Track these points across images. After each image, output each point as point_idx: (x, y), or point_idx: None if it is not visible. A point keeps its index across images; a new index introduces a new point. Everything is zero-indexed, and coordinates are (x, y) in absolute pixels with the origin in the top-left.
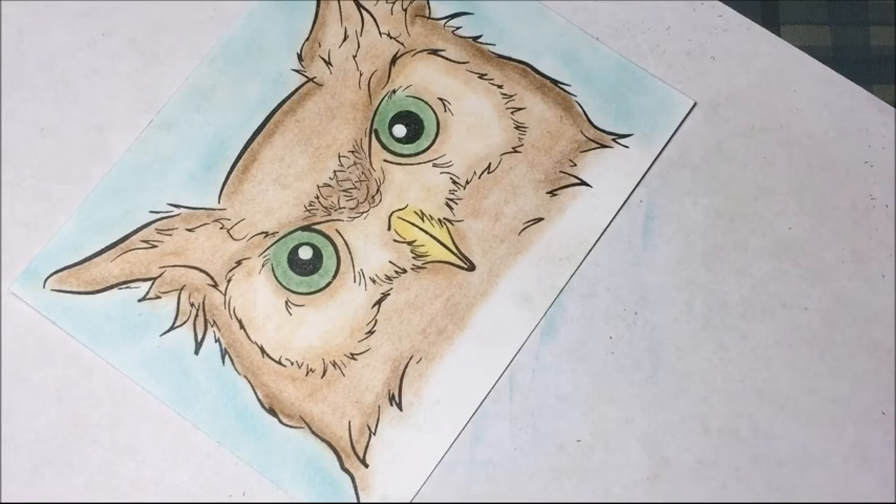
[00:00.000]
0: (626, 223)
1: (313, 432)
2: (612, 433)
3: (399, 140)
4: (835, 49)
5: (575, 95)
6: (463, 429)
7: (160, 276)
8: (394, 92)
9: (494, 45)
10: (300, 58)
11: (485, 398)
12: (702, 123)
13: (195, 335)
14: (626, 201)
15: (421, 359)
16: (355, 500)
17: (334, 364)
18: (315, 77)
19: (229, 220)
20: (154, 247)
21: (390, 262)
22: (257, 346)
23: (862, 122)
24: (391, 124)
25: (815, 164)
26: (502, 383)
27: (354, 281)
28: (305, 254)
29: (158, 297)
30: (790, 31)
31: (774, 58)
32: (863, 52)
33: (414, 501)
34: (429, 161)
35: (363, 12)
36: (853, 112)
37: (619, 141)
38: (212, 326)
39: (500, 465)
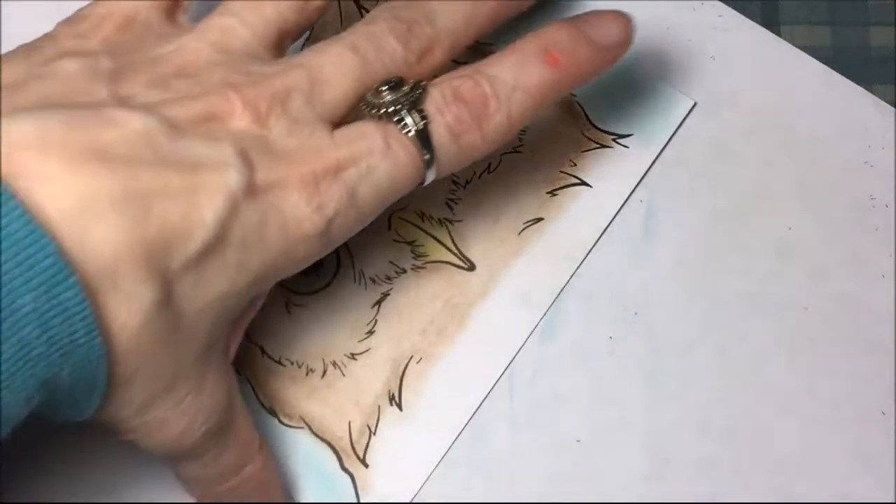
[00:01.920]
0: (626, 223)
1: (313, 432)
2: (611, 433)
3: None
4: (835, 49)
5: (575, 95)
6: (463, 428)
7: None
8: None
9: (493, 44)
10: None
11: (485, 398)
12: (702, 123)
13: None
14: (626, 201)
15: (421, 359)
16: (355, 500)
17: (334, 364)
18: None
19: None
20: None
21: (390, 261)
22: (257, 346)
23: (862, 122)
24: None
25: (815, 164)
26: (502, 383)
27: (354, 281)
28: None
29: None
30: (790, 31)
31: (774, 58)
32: (863, 52)
33: (414, 502)
34: None
35: (364, 13)
36: (853, 112)
37: (619, 141)
38: None
39: (499, 465)
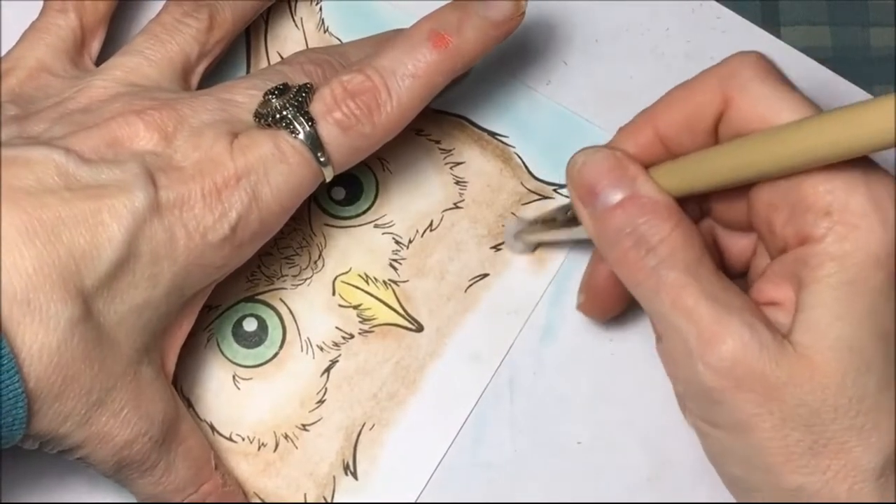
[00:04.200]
0: None
1: None
2: (612, 434)
3: (338, 202)
4: (835, 50)
5: (514, 147)
6: (422, 491)
7: None
8: None
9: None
10: None
11: (442, 458)
12: None
13: None
14: (568, 253)
15: (374, 425)
16: None
17: (286, 437)
18: None
19: None
20: None
21: (337, 327)
22: (207, 423)
23: None
24: (330, 186)
25: None
26: (502, 386)
27: (301, 350)
28: (250, 325)
29: None
30: (790, 31)
31: (774, 58)
32: (863, 53)
33: (419, 502)
34: (370, 222)
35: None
36: None
37: (560, 191)
38: None
39: (500, 468)
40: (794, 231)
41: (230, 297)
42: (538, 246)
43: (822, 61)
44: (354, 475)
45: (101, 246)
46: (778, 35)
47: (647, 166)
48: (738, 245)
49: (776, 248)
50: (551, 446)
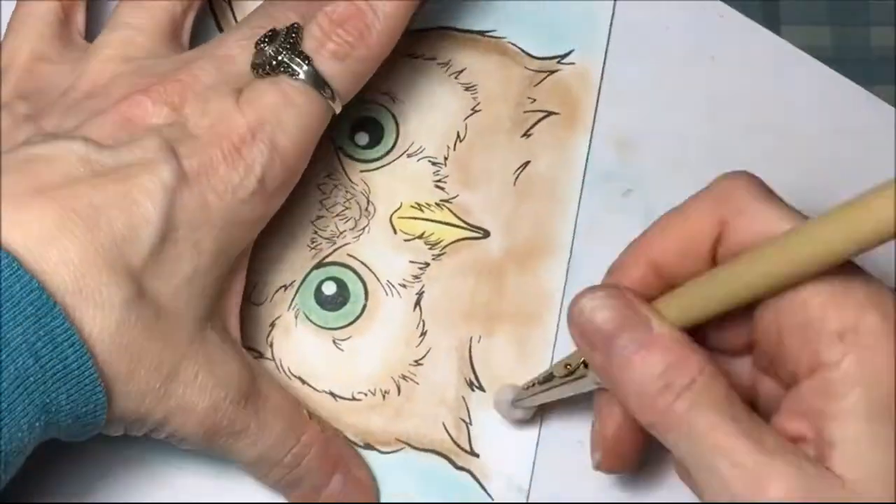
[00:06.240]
0: (624, 224)
1: (414, 447)
2: None
3: (365, 147)
4: (835, 49)
5: (504, 37)
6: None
7: None
8: None
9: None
10: None
11: (555, 339)
12: (701, 124)
13: None
14: (596, 110)
15: (480, 337)
16: (482, 493)
17: (404, 377)
18: None
19: None
20: None
21: (410, 261)
22: (327, 392)
23: (862, 122)
24: (351, 135)
25: (815, 164)
26: None
27: (386, 294)
28: (329, 289)
29: None
30: (790, 31)
31: (774, 58)
32: (863, 53)
33: None
34: (402, 154)
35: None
36: (853, 112)
37: (564, 61)
38: None
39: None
40: (805, 357)
41: (300, 270)
42: (538, 409)
43: (823, 60)
44: (481, 387)
45: (139, 225)
46: (779, 34)
47: (648, 301)
48: (737, 373)
49: (786, 375)
50: (551, 445)
